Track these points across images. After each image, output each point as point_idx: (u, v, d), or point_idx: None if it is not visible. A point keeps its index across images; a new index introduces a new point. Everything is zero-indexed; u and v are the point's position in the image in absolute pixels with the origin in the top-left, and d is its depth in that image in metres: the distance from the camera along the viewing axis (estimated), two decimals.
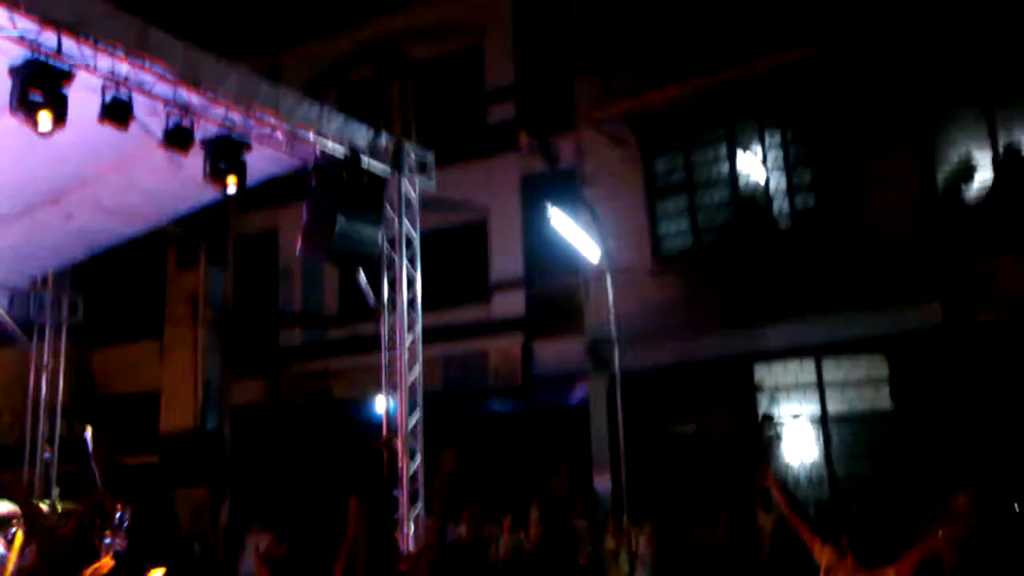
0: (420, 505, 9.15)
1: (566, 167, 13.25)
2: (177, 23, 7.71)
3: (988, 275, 10.15)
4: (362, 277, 9.75)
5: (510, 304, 14.13)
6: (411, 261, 9.73)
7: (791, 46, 11.00)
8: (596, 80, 12.77)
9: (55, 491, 11.59)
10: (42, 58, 6.34)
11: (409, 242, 9.71)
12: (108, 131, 6.96)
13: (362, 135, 8.99)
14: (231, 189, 7.82)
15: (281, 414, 15.79)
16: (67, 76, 6.48)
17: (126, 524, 8.30)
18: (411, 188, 9.74)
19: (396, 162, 9.51)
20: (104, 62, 6.70)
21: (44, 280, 12.24)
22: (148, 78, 6.94)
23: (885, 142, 11.04)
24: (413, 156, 9.73)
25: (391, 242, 9.57)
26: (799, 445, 11.51)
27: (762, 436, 11.43)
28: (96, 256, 11.87)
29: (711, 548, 11.13)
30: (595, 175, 13.01)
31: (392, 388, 9.43)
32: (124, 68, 6.80)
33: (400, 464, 9.12)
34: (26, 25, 6.22)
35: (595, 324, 12.40)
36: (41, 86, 6.35)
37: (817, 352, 11.32)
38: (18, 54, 6.35)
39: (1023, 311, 9.83)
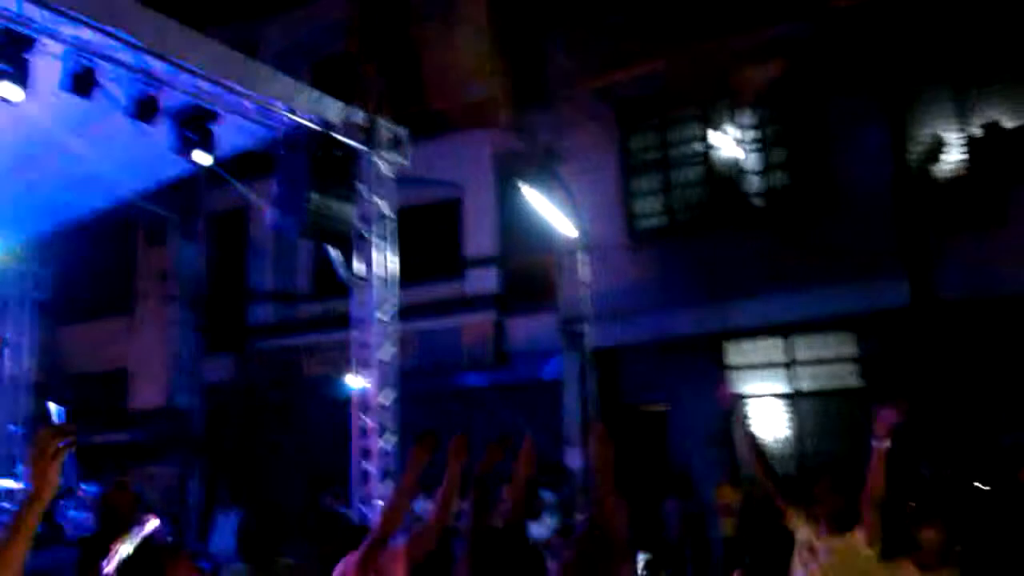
0: (391, 482, 9.13)
1: (541, 143, 13.20)
2: None
3: (957, 254, 10.27)
4: (335, 253, 9.67)
5: (484, 281, 14.11)
6: (384, 237, 9.65)
7: (767, 23, 11.01)
8: (572, 56, 12.71)
9: (22, 468, 11.47)
10: (2, 23, 6.19)
11: (382, 219, 9.63)
12: (74, 100, 6.82)
13: (335, 110, 8.87)
14: (200, 160, 7.70)
15: (252, 391, 15.70)
16: (28, 42, 6.33)
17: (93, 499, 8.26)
18: (384, 164, 9.65)
19: (369, 138, 9.41)
20: (67, 29, 6.55)
21: (10, 254, 12.04)
22: (114, 45, 6.79)
23: (858, 121, 11.10)
24: (387, 132, 9.63)
25: (364, 219, 9.48)
26: (769, 422, 11.64)
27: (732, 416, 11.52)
28: (64, 231, 11.70)
29: (684, 522, 11.24)
30: (571, 152, 12.99)
31: (364, 365, 9.38)
32: (89, 35, 6.65)
33: (374, 441, 9.09)
34: None
35: (568, 301, 12.42)
36: (1, 52, 6.20)
37: (787, 330, 11.42)
38: None
39: (991, 290, 9.96)
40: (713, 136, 12.30)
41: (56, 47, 6.55)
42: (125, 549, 2.75)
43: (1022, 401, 9.89)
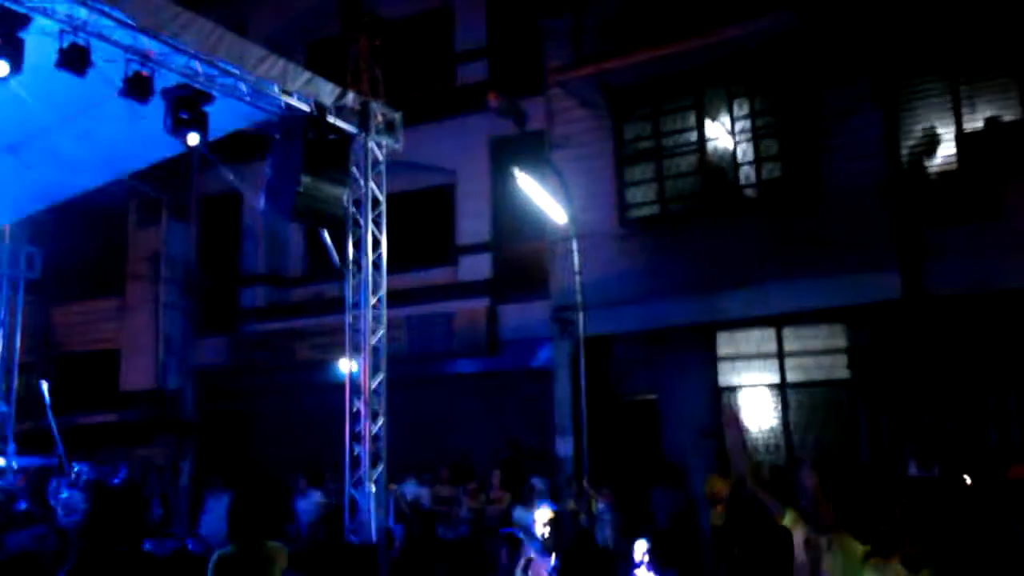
0: (382, 467, 9.16)
1: (535, 130, 13.18)
2: None
3: (948, 248, 10.30)
4: (327, 237, 9.66)
5: (476, 267, 14.11)
6: (376, 222, 9.64)
7: (761, 13, 10.98)
8: (567, 43, 12.68)
9: (11, 447, 11.46)
10: None
11: (375, 203, 9.62)
12: (67, 79, 6.78)
13: (328, 93, 8.84)
14: (192, 141, 7.67)
15: (243, 374, 15.68)
16: (23, 20, 6.29)
17: (84, 479, 8.27)
18: (377, 148, 9.63)
19: (363, 122, 9.38)
20: (62, 6, 6.51)
21: (1, 233, 11.99)
22: (108, 24, 6.75)
23: (851, 113, 11.11)
24: (380, 116, 9.60)
25: (357, 203, 9.47)
26: (758, 412, 11.69)
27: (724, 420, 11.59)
28: (56, 211, 11.65)
29: (673, 512, 11.30)
30: (564, 139, 12.98)
31: (356, 349, 9.39)
32: (83, 13, 6.61)
33: (365, 425, 9.11)
34: None
35: (560, 288, 12.43)
36: None
37: (778, 321, 11.46)
38: None
39: (981, 284, 10.01)
40: (706, 126, 12.30)
41: (51, 25, 6.50)
42: None
43: (1010, 397, 9.96)
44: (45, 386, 9.25)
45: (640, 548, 7.81)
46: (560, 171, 11.67)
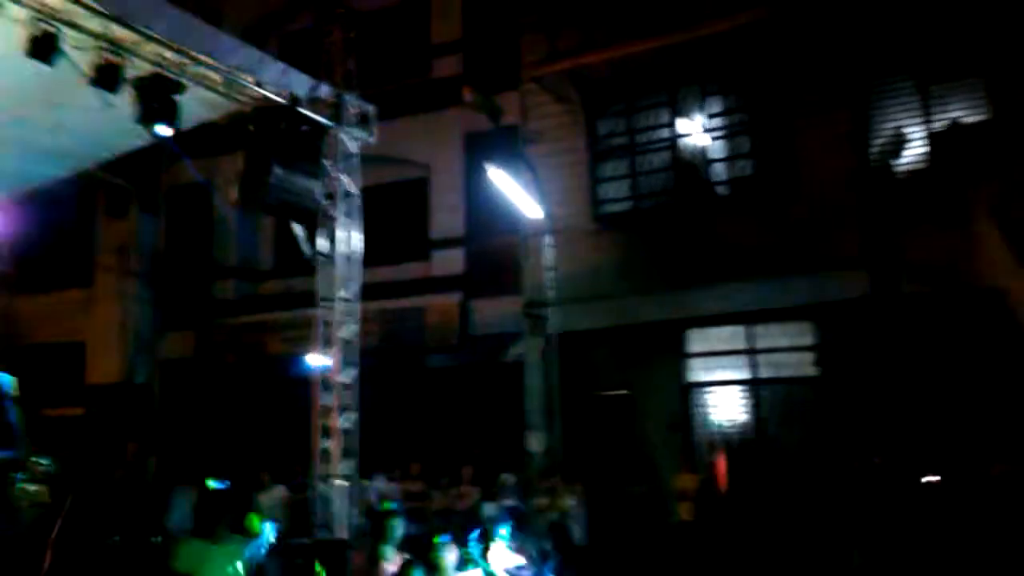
0: (353, 461, 9.13)
1: (510, 125, 13.17)
2: None
3: (916, 246, 10.44)
4: (299, 230, 9.58)
5: (449, 262, 14.08)
6: (349, 216, 9.58)
7: (734, 11, 11.06)
8: (542, 38, 12.67)
9: None
10: None
11: (348, 196, 9.57)
12: (35, 67, 6.67)
13: (302, 85, 8.78)
14: (163, 132, 7.58)
15: (212, 368, 15.54)
16: None
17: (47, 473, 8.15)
18: (351, 141, 9.57)
19: (336, 114, 9.32)
20: None
21: None
22: (78, 12, 6.65)
23: (822, 112, 11.23)
24: (354, 109, 9.55)
25: (330, 196, 9.40)
26: (728, 409, 11.79)
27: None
28: (23, 201, 11.45)
29: (641, 507, 11.37)
30: (539, 134, 12.99)
31: (327, 343, 9.33)
32: (54, 0, 6.50)
33: (335, 419, 9.07)
34: None
35: (533, 283, 12.45)
36: None
37: (749, 318, 11.56)
38: None
39: (949, 283, 10.16)
40: (680, 123, 12.37)
41: (19, 12, 6.39)
42: None
43: (976, 395, 10.12)
44: (13, 381, 9.09)
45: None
46: (534, 166, 11.70)
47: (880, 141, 11.18)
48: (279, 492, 11.23)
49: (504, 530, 7.40)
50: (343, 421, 9.14)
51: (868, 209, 10.88)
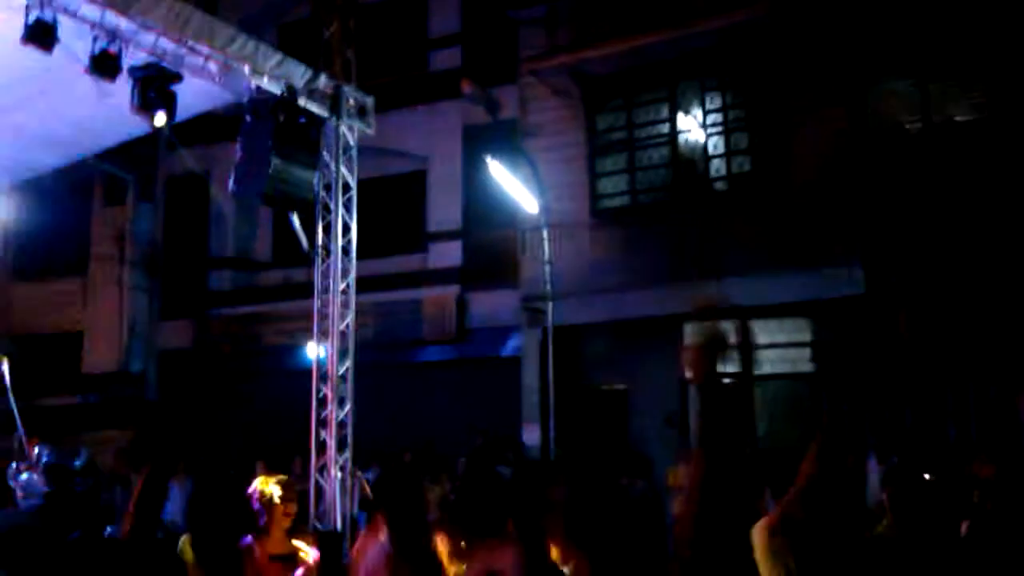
0: (348, 453, 9.13)
1: (508, 118, 13.16)
2: None
3: (911, 244, 10.46)
4: (296, 221, 9.57)
5: (447, 254, 14.09)
6: (347, 208, 9.56)
7: (733, 7, 11.05)
8: (542, 31, 12.67)
9: None
10: None
11: (346, 188, 9.54)
12: (32, 54, 6.64)
13: (300, 75, 8.73)
14: (160, 121, 7.55)
15: (209, 358, 15.55)
16: None
17: (44, 462, 8.13)
18: (349, 133, 9.54)
19: (334, 105, 9.27)
20: None
21: None
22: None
23: (820, 109, 11.24)
24: (352, 100, 9.51)
25: (327, 187, 9.38)
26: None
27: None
28: (19, 189, 11.41)
29: (634, 501, 11.38)
30: (537, 128, 12.98)
31: (324, 335, 9.33)
32: None
33: (331, 411, 9.07)
34: None
35: (530, 277, 12.45)
36: None
37: (744, 314, 11.55)
38: None
39: (944, 281, 10.17)
40: (678, 119, 12.36)
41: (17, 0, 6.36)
42: None
43: (969, 394, 10.14)
44: (5, 366, 9.08)
45: None
46: (532, 160, 11.67)
47: (877, 138, 11.18)
48: None
49: None
50: (339, 413, 9.14)
51: (865, 206, 10.88)
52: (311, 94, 8.89)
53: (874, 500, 4.44)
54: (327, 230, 9.39)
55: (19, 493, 8.54)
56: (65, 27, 6.69)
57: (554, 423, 11.67)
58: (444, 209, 14.21)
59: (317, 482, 8.97)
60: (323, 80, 9.07)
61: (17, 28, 6.45)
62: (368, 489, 10.78)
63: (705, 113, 12.19)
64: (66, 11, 6.65)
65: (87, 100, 7.72)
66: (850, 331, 10.80)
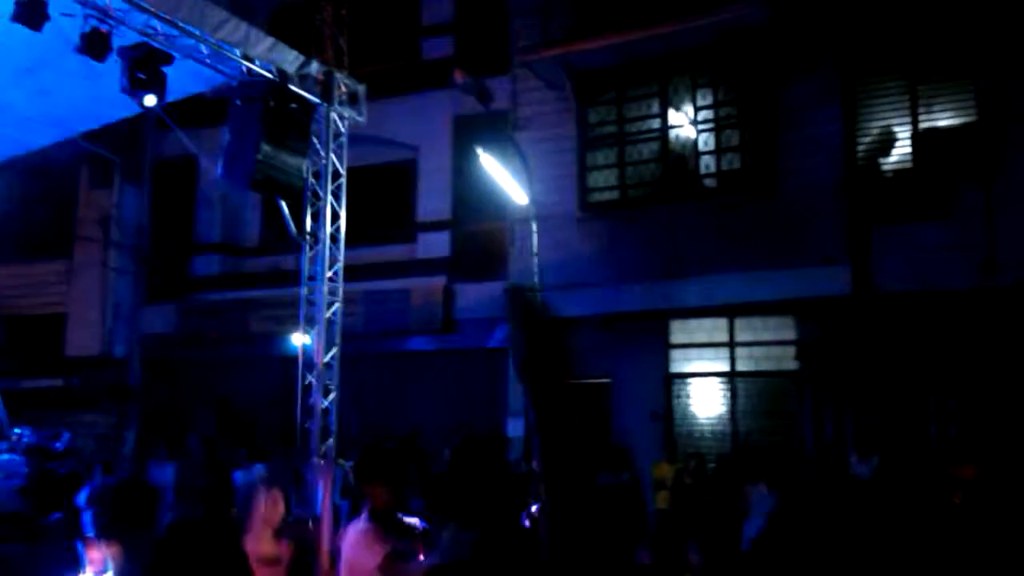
0: (331, 441, 9.11)
1: (499, 109, 13.12)
2: None
3: (899, 245, 10.52)
4: (285, 207, 9.52)
5: (435, 244, 14.05)
6: (336, 195, 9.52)
7: (728, 4, 11.06)
8: (535, 23, 12.63)
9: None
10: None
11: (335, 175, 9.50)
12: (22, 32, 6.57)
13: (291, 61, 8.67)
14: (150, 102, 7.49)
15: (192, 344, 15.46)
16: None
17: (25, 443, 8.10)
18: (340, 120, 9.49)
19: (326, 92, 9.22)
20: None
21: None
22: None
23: (809, 109, 11.26)
24: (344, 87, 9.46)
25: (316, 174, 9.34)
26: (707, 400, 11.85)
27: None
28: (3, 169, 11.31)
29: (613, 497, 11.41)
30: (528, 120, 12.96)
31: (310, 322, 9.29)
32: None
33: (316, 400, 9.04)
34: None
35: (518, 269, 12.44)
36: None
37: (730, 311, 11.61)
38: None
39: (929, 283, 10.23)
40: (670, 114, 12.37)
41: None
42: None
43: (951, 395, 10.22)
44: None
45: None
46: (522, 152, 11.65)
47: (867, 139, 11.23)
48: (258, 471, 11.20)
49: None
50: (324, 401, 9.11)
51: (853, 206, 10.93)
52: (302, 80, 8.83)
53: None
54: (316, 217, 9.35)
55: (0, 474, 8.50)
56: (55, 5, 6.63)
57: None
58: (433, 199, 14.18)
59: (299, 470, 8.95)
60: (315, 66, 9.02)
61: (6, 5, 6.38)
62: (351, 477, 10.78)
63: (696, 109, 12.20)
64: None
65: (76, 79, 7.67)
66: (835, 330, 10.85)
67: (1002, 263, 9.98)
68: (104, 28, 6.94)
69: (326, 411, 9.12)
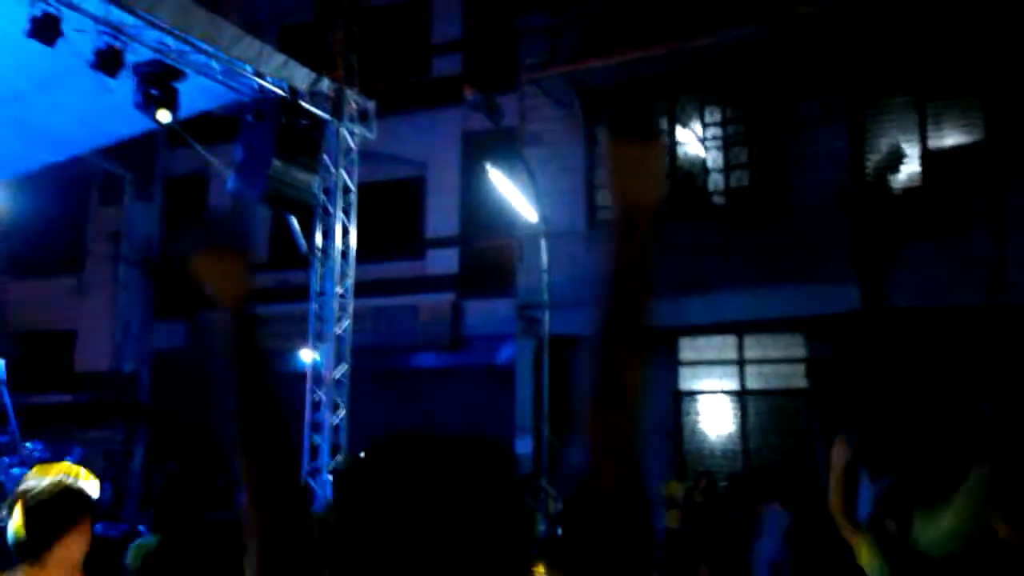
0: (341, 457, 9.10)
1: (508, 126, 13.16)
2: None
3: (908, 263, 10.48)
4: (295, 223, 9.56)
5: (444, 261, 14.07)
6: (346, 211, 9.57)
7: (735, 23, 11.08)
8: (544, 41, 12.69)
9: None
10: None
11: (346, 191, 9.55)
12: (36, 48, 6.63)
13: (303, 78, 8.75)
14: (164, 118, 7.55)
15: (202, 360, 15.43)
16: None
17: (36, 459, 8.07)
18: (350, 136, 9.55)
19: (336, 109, 9.29)
20: None
21: None
22: None
23: (818, 126, 11.27)
24: (354, 104, 9.53)
25: (327, 191, 9.39)
26: (717, 418, 11.80)
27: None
28: (15, 183, 11.38)
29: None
30: (537, 137, 12.99)
31: (320, 339, 9.31)
32: None
33: (326, 415, 9.04)
34: None
35: (527, 286, 12.44)
36: None
37: (740, 328, 11.57)
38: None
39: (939, 300, 10.19)
40: (678, 132, 12.39)
41: None
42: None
43: (963, 412, 10.13)
44: (2, 363, 9.04)
45: None
46: (531, 169, 11.67)
47: (875, 156, 11.22)
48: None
49: None
50: (334, 418, 9.11)
51: (862, 224, 10.90)
52: (313, 97, 8.90)
53: (866, 517, 4.40)
54: (326, 233, 9.39)
55: (10, 487, 8.47)
56: (69, 21, 6.69)
57: (547, 433, 11.62)
58: (442, 216, 14.21)
59: (308, 485, 8.94)
60: (326, 83, 9.09)
61: (20, 20, 6.44)
62: None
63: (704, 127, 12.22)
64: (71, 5, 6.64)
65: (88, 96, 7.71)
66: (844, 348, 10.80)
67: (1012, 281, 9.93)
68: (117, 45, 7.00)
69: (335, 427, 9.12)
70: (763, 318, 11.23)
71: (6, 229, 13.20)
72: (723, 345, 11.90)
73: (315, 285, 9.42)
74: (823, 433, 10.84)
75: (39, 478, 2.71)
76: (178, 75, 7.56)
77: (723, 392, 11.82)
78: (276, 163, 8.26)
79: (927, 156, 10.90)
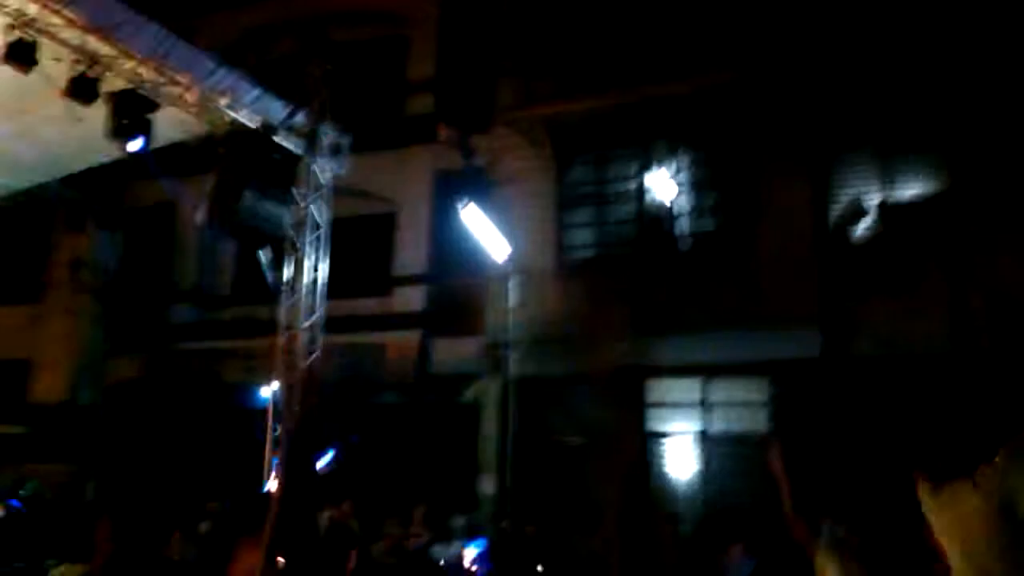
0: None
1: (480, 165, 13.24)
2: None
3: (867, 311, 10.66)
4: (264, 257, 9.50)
5: (411, 299, 14.01)
6: (316, 246, 9.54)
7: (706, 71, 11.33)
8: (517, 83, 12.84)
9: None
10: None
11: (317, 226, 9.53)
12: (7, 74, 6.58)
13: (277, 111, 8.78)
14: (133, 148, 7.50)
15: (163, 393, 15.18)
16: None
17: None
18: (322, 172, 9.55)
19: (310, 143, 9.31)
20: (12, 1, 6.33)
21: None
22: (57, 23, 6.60)
23: (784, 175, 11.49)
24: (327, 139, 9.56)
25: (298, 225, 9.36)
26: (681, 461, 11.81)
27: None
28: None
29: (588, 556, 11.28)
30: (508, 177, 13.07)
31: (285, 373, 9.21)
32: (33, 10, 6.44)
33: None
34: None
35: (494, 326, 12.44)
36: None
37: (705, 371, 11.65)
38: None
39: (897, 348, 10.35)
40: (647, 175, 12.55)
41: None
42: None
43: (917, 457, 10.26)
44: None
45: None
46: (502, 208, 11.75)
47: (837, 207, 11.46)
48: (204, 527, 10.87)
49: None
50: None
51: (824, 272, 11.10)
52: (288, 130, 8.92)
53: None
54: (297, 267, 9.34)
55: None
56: (44, 49, 6.66)
57: (512, 473, 11.57)
58: (411, 252, 14.19)
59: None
60: (300, 117, 9.11)
61: None
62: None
63: (674, 171, 12.40)
64: (48, 33, 6.62)
65: (59, 123, 7.66)
66: (806, 392, 10.91)
67: (972, 330, 10.13)
68: (92, 74, 6.97)
69: None
70: (727, 361, 11.33)
71: None
72: (688, 387, 11.96)
73: (282, 319, 9.34)
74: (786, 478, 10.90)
75: None
76: (151, 106, 7.54)
77: (687, 433, 11.85)
78: (247, 195, 8.24)
79: (888, 208, 11.15)
